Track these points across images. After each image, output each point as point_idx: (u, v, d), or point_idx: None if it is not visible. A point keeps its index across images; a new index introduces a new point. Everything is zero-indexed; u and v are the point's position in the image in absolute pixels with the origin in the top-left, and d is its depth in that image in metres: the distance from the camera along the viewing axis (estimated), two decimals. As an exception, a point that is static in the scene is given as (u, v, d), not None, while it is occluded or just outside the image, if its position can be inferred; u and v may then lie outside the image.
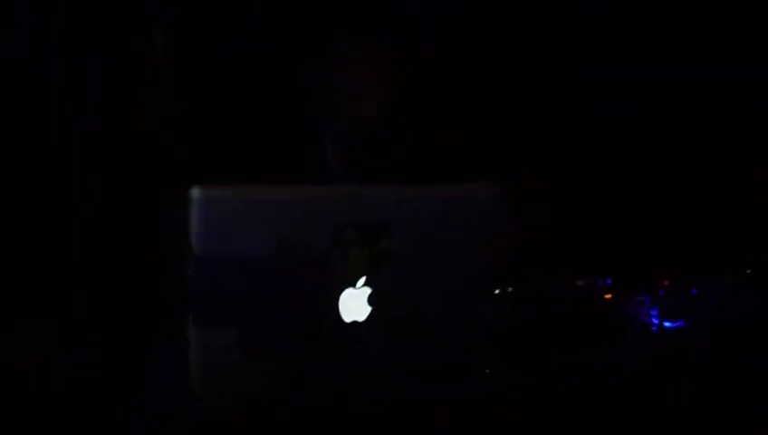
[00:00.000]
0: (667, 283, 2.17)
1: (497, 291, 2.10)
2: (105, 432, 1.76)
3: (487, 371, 1.86)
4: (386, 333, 1.77)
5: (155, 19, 2.25)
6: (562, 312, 2.15)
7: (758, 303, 2.11)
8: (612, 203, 2.38)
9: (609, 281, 2.20)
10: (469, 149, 2.29)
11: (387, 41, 2.27)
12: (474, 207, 1.79)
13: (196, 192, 1.59)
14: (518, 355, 2.02)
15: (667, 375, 1.97)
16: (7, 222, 2.11)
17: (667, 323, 2.11)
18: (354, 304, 1.75)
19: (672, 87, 2.47)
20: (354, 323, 1.75)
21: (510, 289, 2.11)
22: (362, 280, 1.75)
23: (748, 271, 2.17)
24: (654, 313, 2.12)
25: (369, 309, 1.76)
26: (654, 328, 2.11)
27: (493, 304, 1.95)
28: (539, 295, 2.17)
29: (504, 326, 1.97)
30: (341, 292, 1.74)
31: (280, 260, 1.66)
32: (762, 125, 2.45)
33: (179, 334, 1.64)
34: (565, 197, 2.35)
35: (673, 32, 2.46)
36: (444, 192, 1.78)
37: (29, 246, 2.13)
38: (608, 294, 2.19)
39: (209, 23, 2.27)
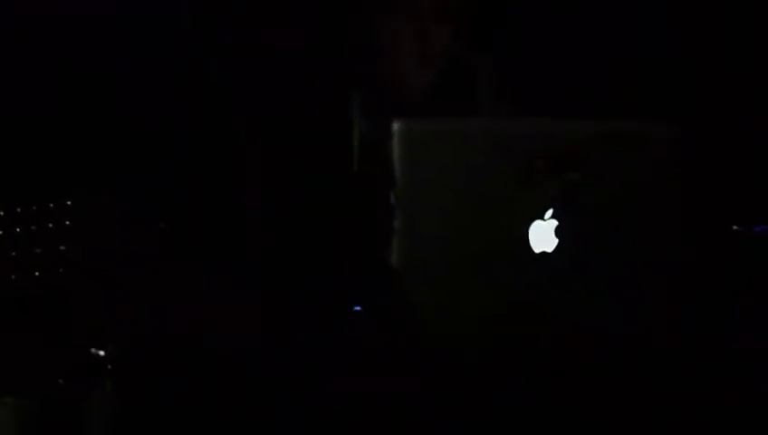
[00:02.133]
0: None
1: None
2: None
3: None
4: (572, 265, 1.83)
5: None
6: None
7: None
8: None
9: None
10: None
11: None
12: (660, 144, 1.85)
13: (396, 125, 1.67)
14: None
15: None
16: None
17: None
18: (543, 235, 1.82)
19: None
20: (543, 253, 1.82)
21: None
22: (550, 212, 1.81)
23: None
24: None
25: (556, 241, 1.83)
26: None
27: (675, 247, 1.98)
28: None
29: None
30: (530, 223, 1.81)
31: (476, 190, 1.74)
32: None
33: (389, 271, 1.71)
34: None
35: None
36: (633, 128, 1.83)
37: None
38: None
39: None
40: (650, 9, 2.68)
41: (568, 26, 2.68)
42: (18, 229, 1.75)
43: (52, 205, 1.69)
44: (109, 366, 1.79)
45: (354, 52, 2.31)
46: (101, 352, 1.81)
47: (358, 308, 1.92)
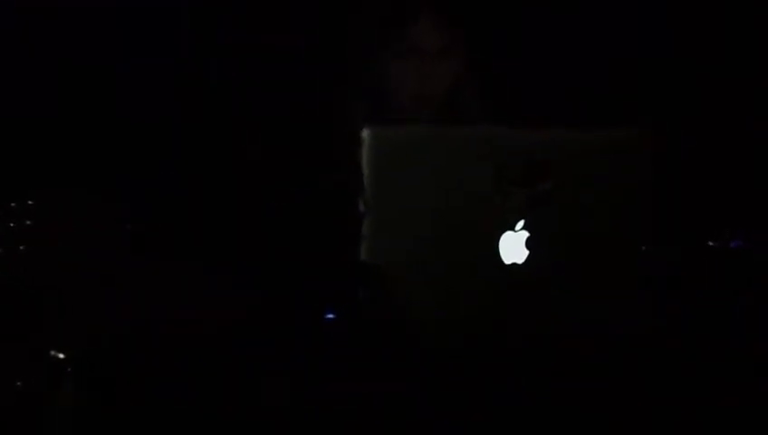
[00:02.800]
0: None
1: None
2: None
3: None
4: (543, 277, 1.81)
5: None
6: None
7: None
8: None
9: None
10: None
11: None
12: (631, 152, 1.83)
13: (367, 132, 1.65)
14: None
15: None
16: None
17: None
18: (513, 246, 1.80)
19: None
20: (514, 265, 1.80)
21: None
22: (521, 223, 1.79)
23: None
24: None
25: (526, 252, 1.81)
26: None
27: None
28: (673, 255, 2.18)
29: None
30: (501, 234, 1.79)
31: (446, 198, 1.72)
32: None
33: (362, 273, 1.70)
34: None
35: None
36: (604, 136, 1.82)
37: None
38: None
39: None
40: (650, 9, 2.65)
41: (565, 27, 2.65)
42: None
43: (13, 204, 1.67)
44: (69, 369, 1.76)
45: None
46: (61, 355, 1.78)
47: (331, 316, 1.90)
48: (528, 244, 1.81)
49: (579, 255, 1.83)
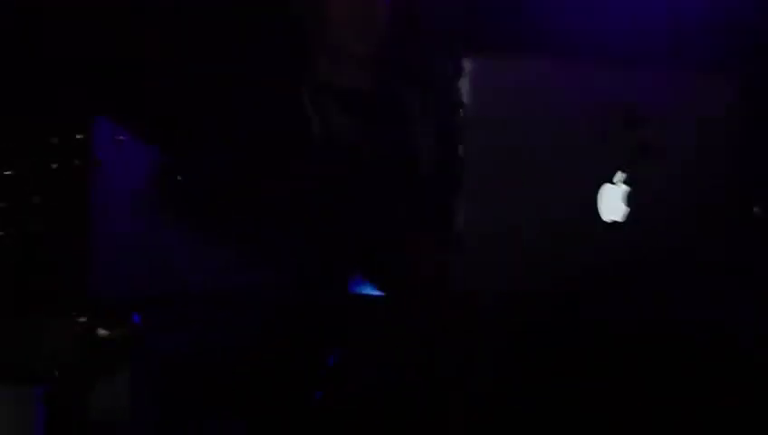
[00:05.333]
0: None
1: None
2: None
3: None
4: (642, 236, 1.64)
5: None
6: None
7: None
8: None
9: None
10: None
11: None
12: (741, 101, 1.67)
13: (470, 62, 1.47)
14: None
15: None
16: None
17: None
18: (612, 201, 1.63)
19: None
20: (613, 223, 1.62)
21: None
22: (621, 175, 1.62)
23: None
24: None
25: (625, 209, 1.63)
26: None
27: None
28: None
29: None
30: (599, 187, 1.61)
31: (547, 140, 1.54)
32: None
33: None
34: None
35: None
36: (718, 81, 1.65)
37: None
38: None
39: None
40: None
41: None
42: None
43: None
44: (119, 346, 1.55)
45: None
46: (108, 332, 1.57)
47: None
48: (628, 200, 1.63)
49: (683, 213, 1.66)
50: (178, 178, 1.66)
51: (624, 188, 1.63)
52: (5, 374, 1.50)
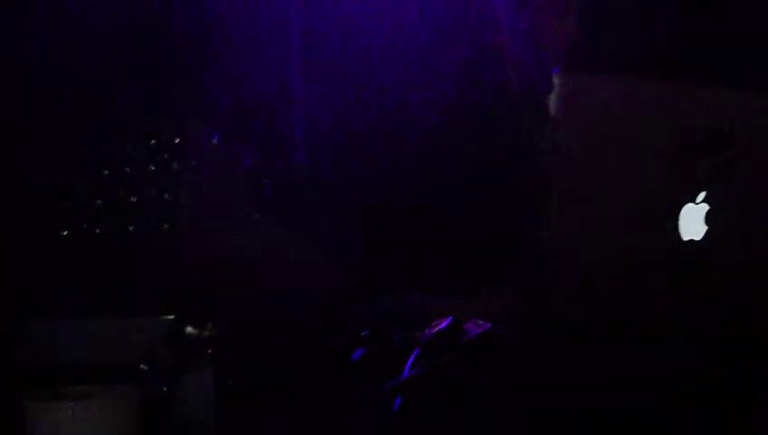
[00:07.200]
0: None
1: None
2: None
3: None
4: (720, 258, 1.65)
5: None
6: None
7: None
8: None
9: None
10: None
11: None
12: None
13: (555, 78, 1.50)
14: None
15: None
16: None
17: None
18: (692, 221, 1.64)
19: None
20: (691, 241, 1.64)
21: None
22: (702, 195, 1.64)
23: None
24: None
25: (705, 228, 1.65)
26: None
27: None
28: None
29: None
30: (682, 206, 1.63)
31: (629, 162, 1.57)
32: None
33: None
34: None
35: None
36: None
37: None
38: None
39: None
40: None
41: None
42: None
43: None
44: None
45: None
46: (198, 331, 1.61)
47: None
48: (708, 219, 1.65)
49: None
50: (265, 181, 1.70)
51: (704, 207, 1.65)
52: (99, 372, 1.54)
